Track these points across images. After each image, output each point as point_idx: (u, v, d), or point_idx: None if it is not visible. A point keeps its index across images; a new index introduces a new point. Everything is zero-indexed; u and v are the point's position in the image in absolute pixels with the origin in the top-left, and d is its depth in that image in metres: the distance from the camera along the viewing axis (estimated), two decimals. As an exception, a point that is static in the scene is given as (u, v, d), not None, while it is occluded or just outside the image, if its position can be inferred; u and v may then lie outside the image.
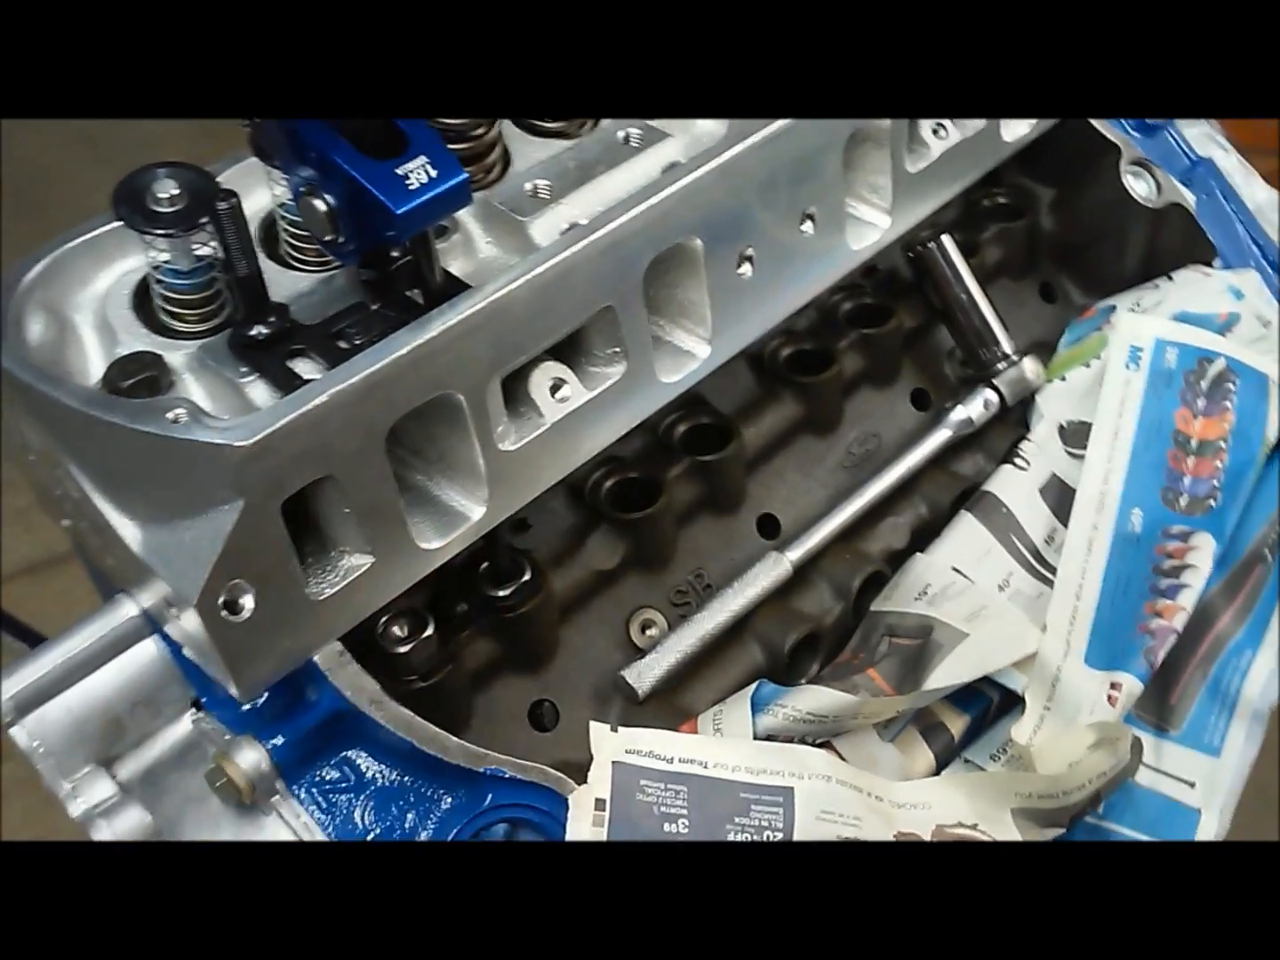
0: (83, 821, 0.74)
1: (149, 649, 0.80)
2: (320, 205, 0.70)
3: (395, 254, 0.75)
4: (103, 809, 0.73)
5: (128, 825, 0.72)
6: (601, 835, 0.77)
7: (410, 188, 0.68)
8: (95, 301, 0.79)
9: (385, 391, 0.70)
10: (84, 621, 0.79)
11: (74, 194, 0.77)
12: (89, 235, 0.78)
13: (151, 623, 0.79)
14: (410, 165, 0.69)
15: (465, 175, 0.70)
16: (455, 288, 0.76)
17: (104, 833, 0.71)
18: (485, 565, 0.86)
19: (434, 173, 0.69)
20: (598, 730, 0.81)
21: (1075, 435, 1.07)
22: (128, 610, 0.79)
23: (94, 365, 0.77)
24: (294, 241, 0.80)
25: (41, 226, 0.78)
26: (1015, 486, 1.04)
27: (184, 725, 0.82)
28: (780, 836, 0.79)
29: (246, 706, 0.78)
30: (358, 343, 0.73)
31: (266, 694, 0.78)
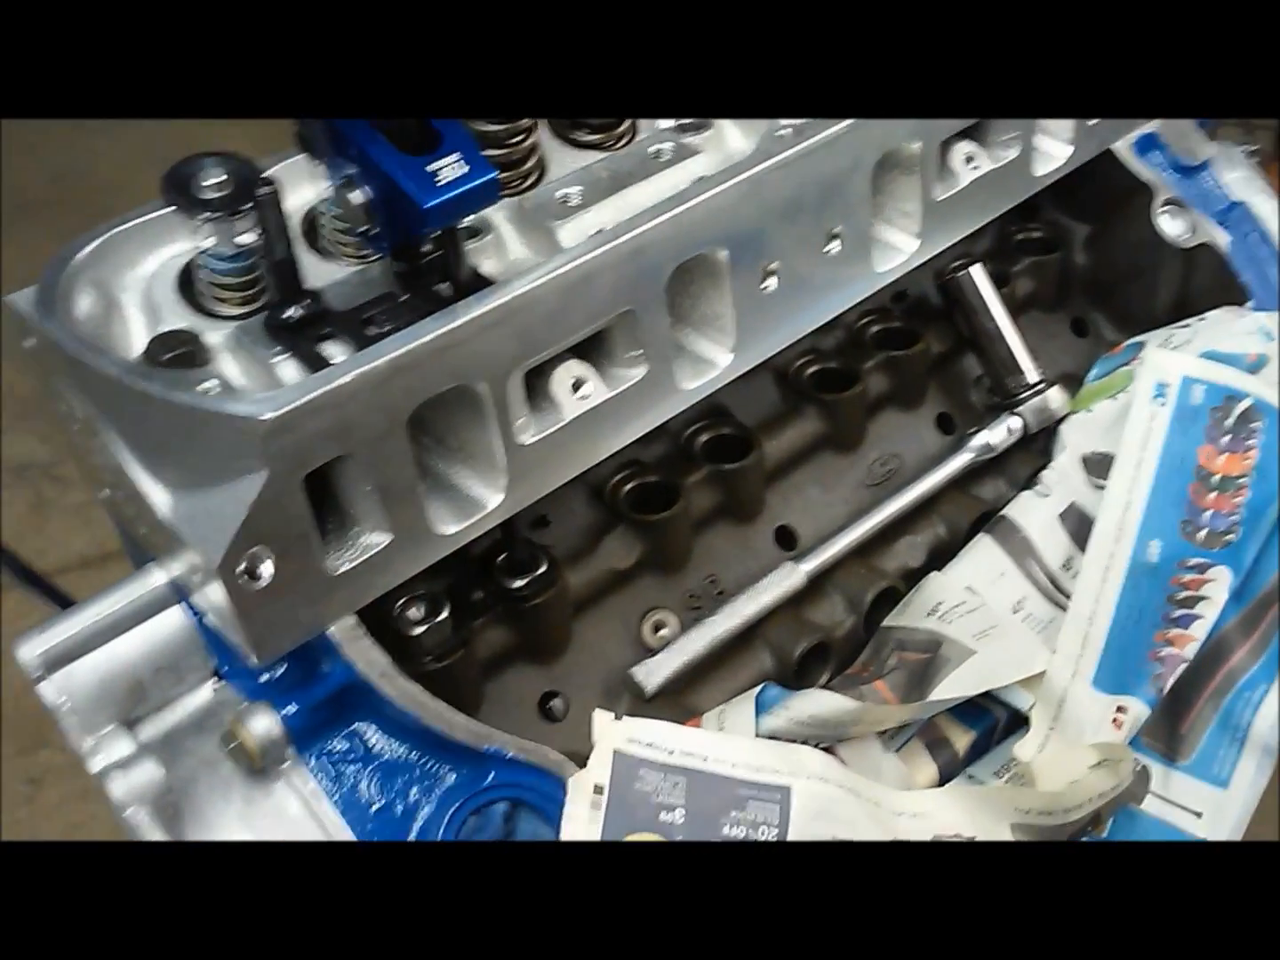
0: (100, 777, 0.77)
1: (175, 616, 0.83)
2: (357, 198, 0.74)
3: (427, 249, 0.79)
4: (119, 764, 0.75)
5: (142, 780, 0.75)
6: (598, 820, 0.79)
7: (439, 183, 0.72)
8: (142, 282, 0.83)
9: (408, 377, 0.73)
10: (115, 586, 0.83)
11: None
12: (139, 220, 0.83)
13: (178, 592, 0.83)
14: (442, 162, 0.72)
15: (494, 173, 0.73)
16: (482, 283, 0.79)
17: (119, 785, 0.74)
18: (503, 557, 0.89)
19: (464, 170, 0.72)
20: (601, 718, 0.82)
21: (1098, 466, 1.07)
22: (156, 578, 0.83)
23: (137, 341, 0.81)
24: (334, 234, 0.84)
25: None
26: (1035, 513, 1.05)
27: (205, 693, 0.85)
28: (775, 834, 0.81)
29: (264, 678, 0.81)
30: (385, 329, 0.76)
31: (285, 666, 0.81)
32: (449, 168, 0.72)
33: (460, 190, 0.72)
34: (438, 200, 0.72)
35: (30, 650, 0.80)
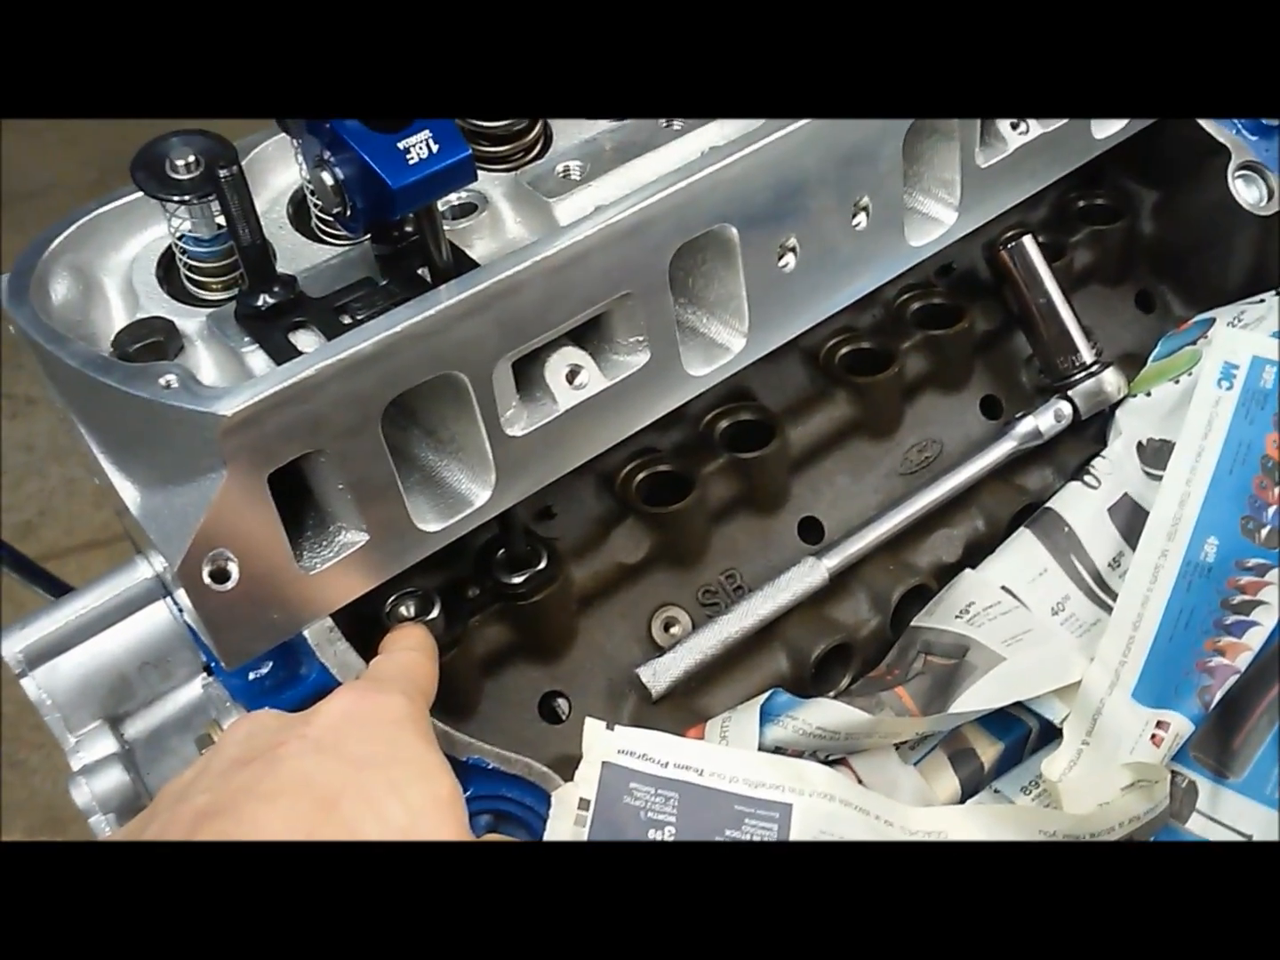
0: (69, 781, 0.75)
1: (161, 612, 0.81)
2: (329, 178, 0.69)
3: (408, 230, 0.75)
4: (85, 770, 0.73)
5: (104, 788, 0.73)
6: (581, 836, 0.75)
7: (410, 162, 0.67)
8: (123, 266, 0.80)
9: (379, 369, 0.68)
10: (100, 579, 0.81)
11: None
12: (122, 200, 0.80)
13: (165, 586, 0.81)
14: (412, 139, 0.67)
15: (468, 152, 0.68)
16: (464, 266, 0.74)
17: (81, 794, 0.72)
18: (501, 551, 0.85)
19: (435, 148, 0.67)
20: (592, 727, 0.79)
21: (1155, 455, 1.00)
22: (142, 572, 0.81)
23: (117, 328, 0.78)
24: (321, 215, 0.80)
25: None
26: (1082, 505, 0.98)
27: (194, 689, 0.83)
28: (773, 853, 0.76)
29: (251, 676, 0.78)
30: (360, 317, 0.72)
31: (270, 664, 0.78)
32: (420, 145, 0.67)
33: (432, 170, 0.67)
34: (408, 181, 0.67)
35: (11, 646, 0.78)
